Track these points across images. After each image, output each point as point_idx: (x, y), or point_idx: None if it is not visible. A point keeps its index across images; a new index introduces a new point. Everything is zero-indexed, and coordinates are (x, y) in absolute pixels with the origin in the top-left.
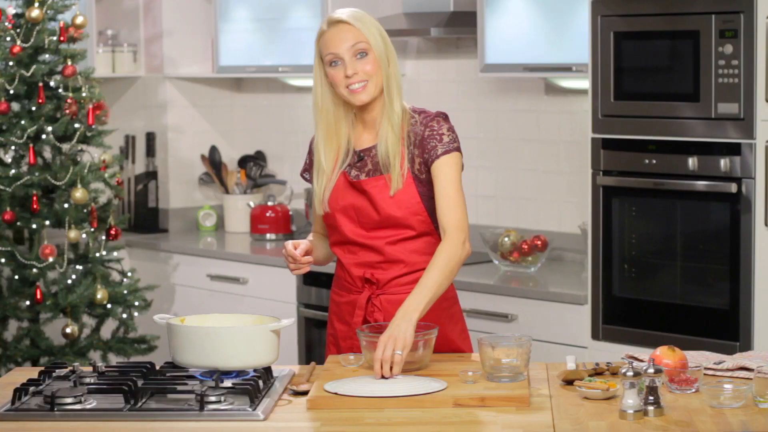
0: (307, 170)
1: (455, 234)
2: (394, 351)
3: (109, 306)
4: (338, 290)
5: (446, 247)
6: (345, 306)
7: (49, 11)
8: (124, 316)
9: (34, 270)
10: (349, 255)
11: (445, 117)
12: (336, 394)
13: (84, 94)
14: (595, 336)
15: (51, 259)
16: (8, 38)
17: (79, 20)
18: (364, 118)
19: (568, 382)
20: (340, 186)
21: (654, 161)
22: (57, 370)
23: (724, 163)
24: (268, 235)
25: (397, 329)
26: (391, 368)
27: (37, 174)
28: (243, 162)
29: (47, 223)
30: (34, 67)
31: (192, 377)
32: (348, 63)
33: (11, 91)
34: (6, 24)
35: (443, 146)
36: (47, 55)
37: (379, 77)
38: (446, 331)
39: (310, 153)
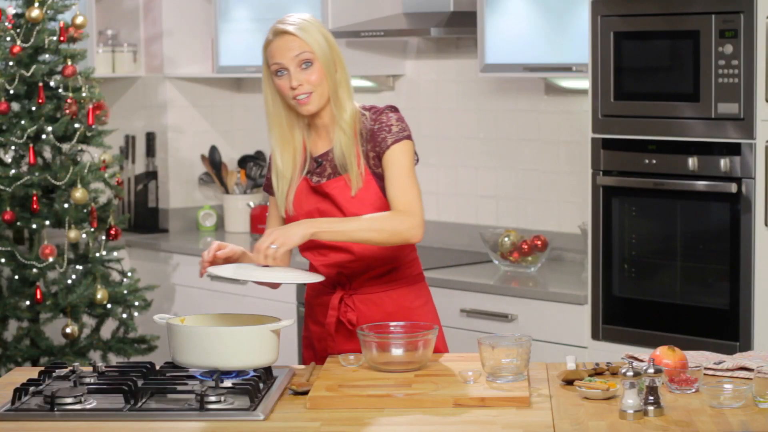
0: (269, 182)
1: (405, 214)
2: (270, 244)
3: (109, 306)
4: (311, 292)
5: (393, 215)
6: (318, 308)
7: (49, 11)
8: (124, 316)
9: (34, 270)
10: (320, 257)
11: (393, 109)
12: (216, 276)
13: (84, 94)
14: (595, 336)
15: (51, 259)
16: (8, 38)
17: (79, 20)
18: (315, 124)
19: (568, 382)
20: (302, 191)
21: (654, 161)
22: (57, 370)
23: (724, 163)
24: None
25: (287, 228)
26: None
27: (37, 174)
28: (243, 162)
29: (47, 223)
30: (34, 67)
31: (192, 377)
32: (293, 73)
33: (11, 91)
34: (6, 24)
35: (393, 136)
36: (47, 55)
37: (325, 86)
38: None
39: (270, 168)
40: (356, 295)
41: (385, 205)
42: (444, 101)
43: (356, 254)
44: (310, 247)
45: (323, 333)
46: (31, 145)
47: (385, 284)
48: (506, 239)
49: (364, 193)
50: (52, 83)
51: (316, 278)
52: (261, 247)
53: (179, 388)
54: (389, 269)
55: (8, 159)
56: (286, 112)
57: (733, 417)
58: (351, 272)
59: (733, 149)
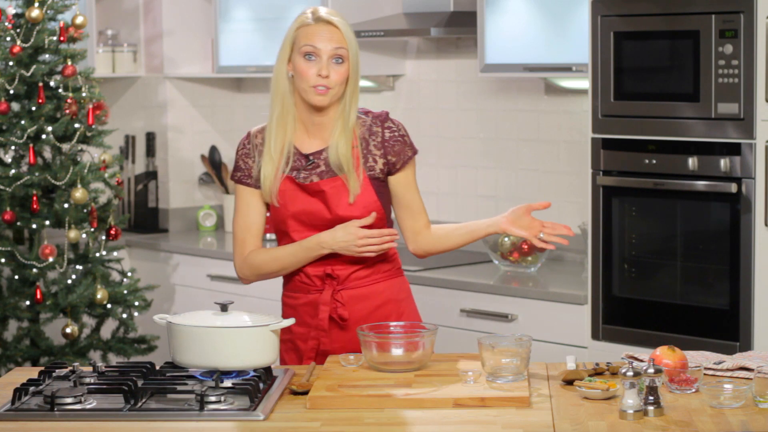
0: (240, 172)
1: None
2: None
3: (109, 306)
4: (292, 293)
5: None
6: (303, 307)
7: (49, 11)
8: (124, 316)
9: (34, 270)
10: None
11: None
12: (170, 322)
13: (84, 94)
14: (595, 336)
15: (51, 259)
16: (8, 38)
17: (79, 20)
18: (313, 121)
19: (568, 382)
20: (287, 191)
21: (654, 161)
22: (57, 370)
23: (724, 163)
24: (267, 235)
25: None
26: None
27: (37, 174)
28: None
29: (47, 223)
30: (34, 67)
31: (192, 377)
32: (325, 63)
33: (11, 91)
34: (6, 24)
35: (410, 149)
36: (47, 55)
37: (343, 88)
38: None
39: (241, 157)
40: (345, 291)
41: (378, 207)
42: (444, 101)
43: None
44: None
45: (309, 332)
46: (31, 145)
47: (370, 278)
48: (506, 239)
49: (361, 198)
50: (52, 83)
51: (276, 320)
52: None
53: (179, 388)
54: (374, 262)
55: (8, 159)
56: (289, 100)
57: (733, 417)
58: (339, 268)
59: (733, 149)
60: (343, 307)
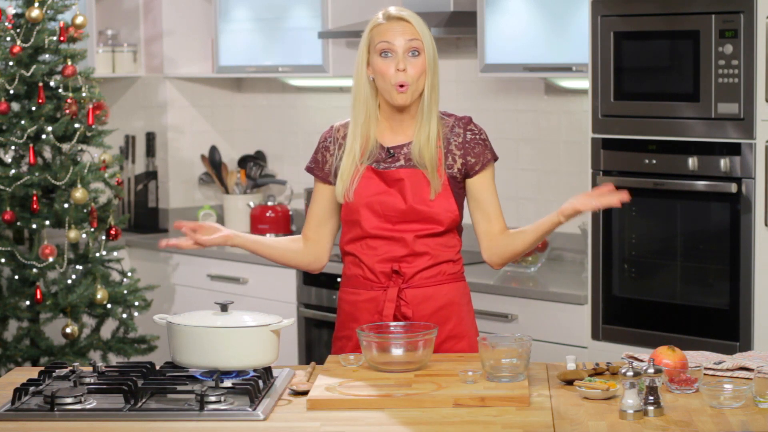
0: (315, 164)
1: None
2: None
3: (109, 306)
4: (354, 289)
5: None
6: (363, 303)
7: (49, 11)
8: (124, 316)
9: (34, 270)
10: (369, 251)
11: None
12: (170, 322)
13: (84, 94)
14: (595, 336)
15: (51, 259)
16: (8, 38)
17: (79, 20)
18: (395, 117)
19: (568, 382)
20: (364, 180)
21: (654, 161)
22: (57, 370)
23: (724, 163)
24: (268, 235)
25: None
26: None
27: (37, 174)
28: (243, 162)
29: (47, 223)
30: (34, 67)
31: (192, 377)
32: (401, 57)
33: (11, 91)
34: (6, 24)
35: (490, 152)
36: (47, 55)
37: (422, 82)
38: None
39: (321, 149)
40: (409, 290)
41: (453, 208)
42: (444, 101)
43: (412, 248)
44: (360, 237)
45: (372, 328)
46: (31, 145)
47: (436, 279)
48: None
49: (439, 197)
50: (52, 83)
51: (275, 319)
52: None
53: (179, 388)
54: (439, 262)
55: (8, 159)
56: (372, 104)
57: (733, 417)
58: (405, 265)
59: (733, 149)
60: (407, 305)
